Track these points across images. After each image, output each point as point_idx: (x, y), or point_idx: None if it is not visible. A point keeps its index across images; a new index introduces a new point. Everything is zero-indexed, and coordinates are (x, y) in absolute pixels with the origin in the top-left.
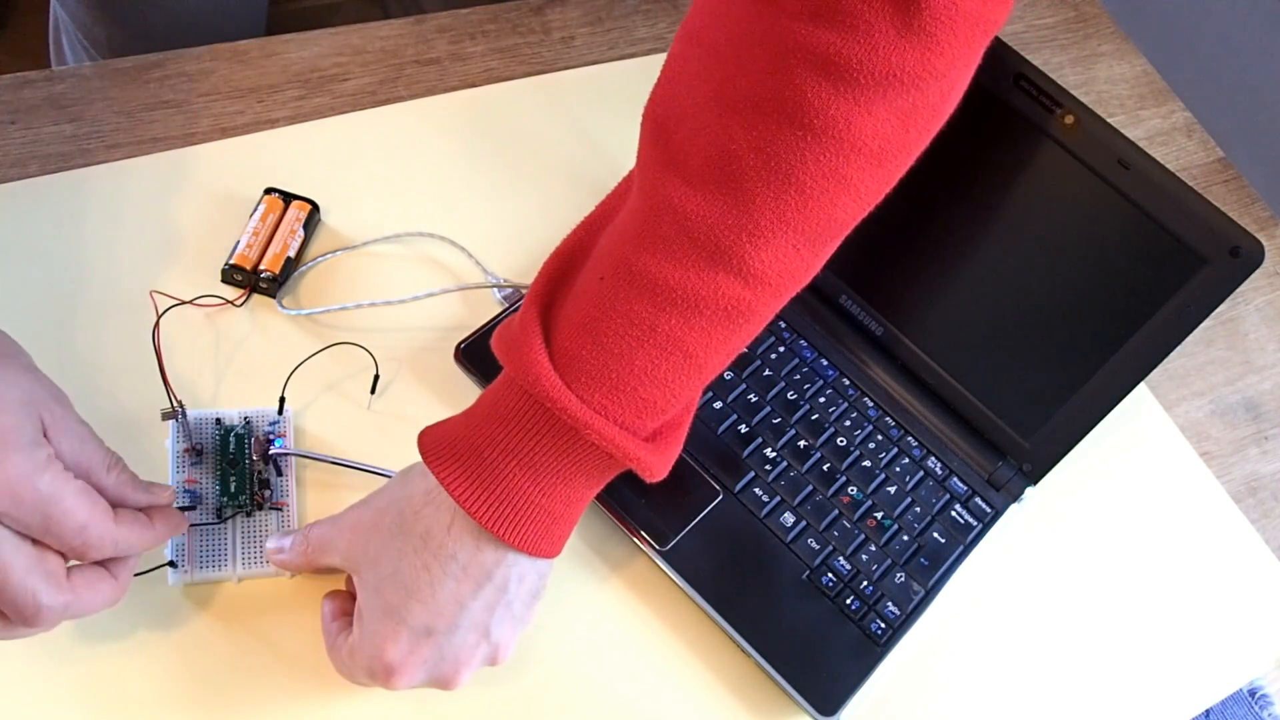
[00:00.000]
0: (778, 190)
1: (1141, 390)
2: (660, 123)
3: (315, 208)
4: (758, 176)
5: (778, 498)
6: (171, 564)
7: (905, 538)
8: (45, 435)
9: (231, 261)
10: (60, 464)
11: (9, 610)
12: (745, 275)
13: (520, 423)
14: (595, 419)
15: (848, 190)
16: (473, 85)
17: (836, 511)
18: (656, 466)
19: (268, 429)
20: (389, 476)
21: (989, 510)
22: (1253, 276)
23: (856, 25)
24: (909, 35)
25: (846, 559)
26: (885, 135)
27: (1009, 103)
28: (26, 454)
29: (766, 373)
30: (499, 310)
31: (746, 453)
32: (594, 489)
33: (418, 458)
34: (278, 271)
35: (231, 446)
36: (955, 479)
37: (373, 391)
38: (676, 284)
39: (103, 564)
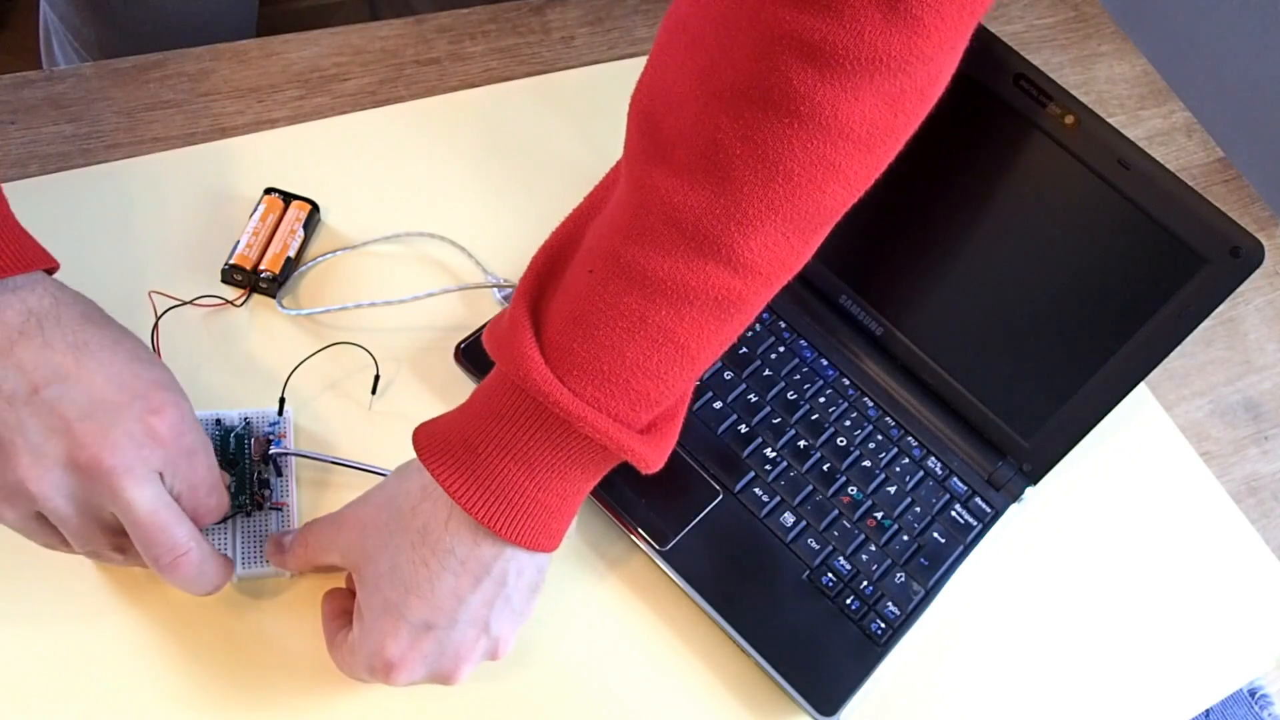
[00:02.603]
0: (765, 178)
1: (1141, 390)
2: (646, 113)
3: (315, 208)
4: (745, 165)
5: (778, 498)
6: None
7: (905, 538)
8: None
9: (231, 261)
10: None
11: (156, 552)
12: (735, 264)
13: (513, 417)
14: (588, 411)
15: (836, 176)
16: (473, 85)
17: (836, 511)
18: (652, 458)
19: (268, 429)
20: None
21: (989, 510)
22: (1253, 276)
23: (842, 10)
24: (895, 19)
25: (846, 559)
26: (873, 121)
27: (1009, 103)
28: (185, 403)
29: (766, 373)
30: (499, 310)
31: (746, 453)
32: (590, 482)
33: (414, 434)
34: (278, 271)
35: (231, 446)
36: (955, 479)
37: (374, 392)
38: (666, 275)
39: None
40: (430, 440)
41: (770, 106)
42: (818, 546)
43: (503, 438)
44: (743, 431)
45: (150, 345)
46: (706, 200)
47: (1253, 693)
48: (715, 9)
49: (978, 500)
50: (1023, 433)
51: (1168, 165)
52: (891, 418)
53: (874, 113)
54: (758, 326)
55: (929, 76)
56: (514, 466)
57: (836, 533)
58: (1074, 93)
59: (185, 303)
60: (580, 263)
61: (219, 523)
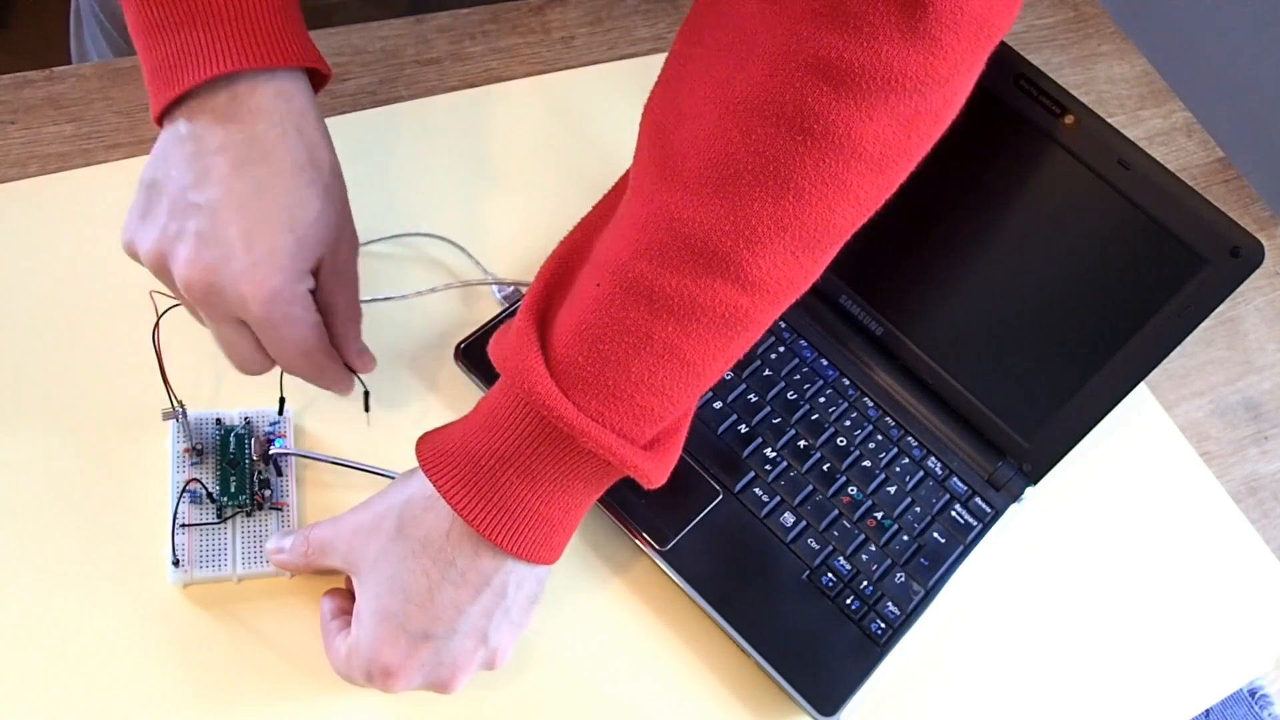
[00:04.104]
0: (776, 194)
1: (1141, 390)
2: (658, 124)
3: None
4: (755, 181)
5: (778, 498)
6: (175, 562)
7: (905, 538)
8: (318, 270)
9: None
10: (311, 303)
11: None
12: (743, 282)
13: (517, 431)
14: (592, 427)
15: (847, 196)
16: (473, 85)
17: (836, 511)
18: (655, 474)
19: (268, 429)
20: (389, 476)
21: (989, 510)
22: (1253, 276)
23: (860, 28)
24: (913, 39)
25: (846, 559)
26: (886, 141)
27: (1009, 103)
28: (289, 282)
29: (766, 373)
30: (499, 310)
31: (746, 453)
32: (593, 496)
33: (417, 444)
34: None
35: (232, 446)
36: (955, 479)
37: (366, 409)
38: (673, 291)
39: None
40: (434, 451)
41: (783, 122)
42: (818, 546)
43: (506, 451)
44: (743, 431)
45: (152, 345)
46: (715, 216)
47: (1253, 693)
48: (732, 21)
49: (978, 500)
50: (1023, 433)
51: (1168, 165)
52: (891, 418)
53: (888, 133)
54: None
55: (944, 99)
56: (517, 480)
57: (836, 533)
58: (1074, 93)
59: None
60: (588, 275)
61: (219, 521)
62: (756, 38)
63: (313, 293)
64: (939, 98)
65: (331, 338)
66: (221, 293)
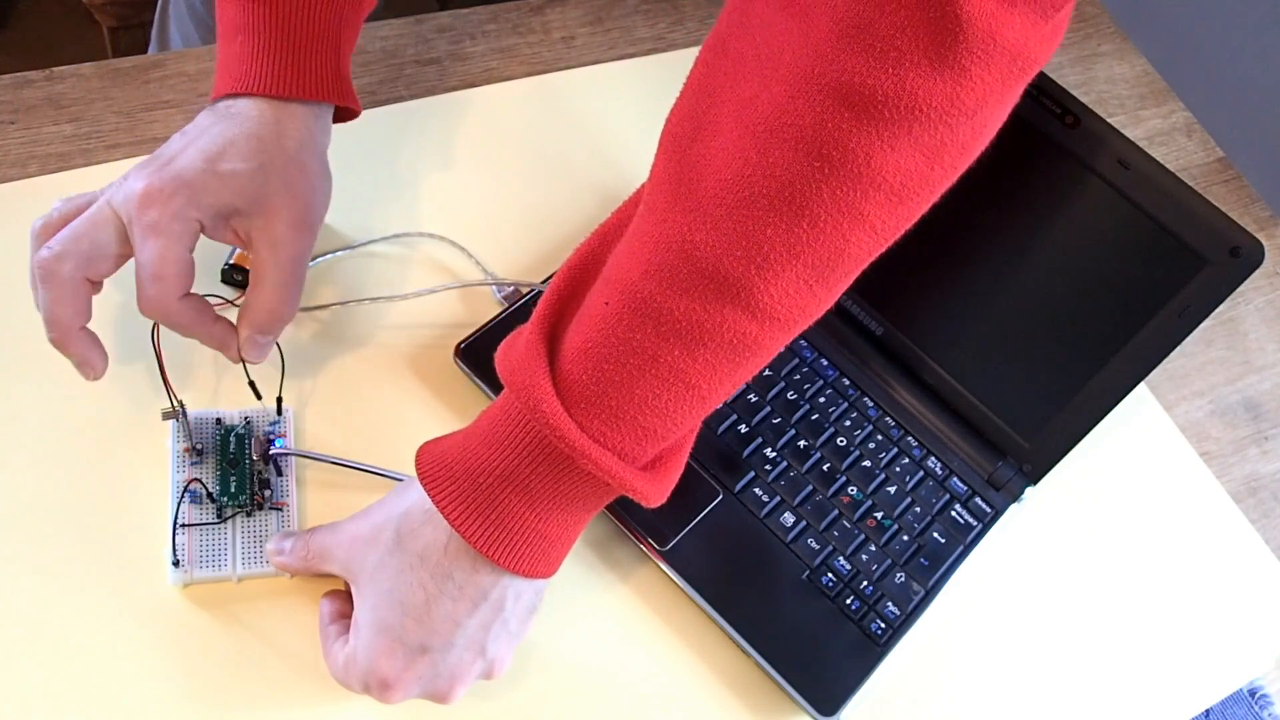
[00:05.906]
0: (789, 220)
1: (1141, 390)
2: (676, 137)
3: None
4: (769, 206)
5: (778, 498)
6: (175, 563)
7: (905, 538)
8: (246, 238)
9: (231, 261)
10: (189, 236)
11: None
12: (752, 309)
13: (517, 448)
14: (593, 448)
15: (862, 225)
16: (473, 85)
17: (836, 511)
18: (654, 495)
19: (268, 429)
20: (389, 476)
21: (989, 510)
22: (1253, 276)
23: (886, 53)
24: (941, 66)
25: (846, 559)
26: (907, 171)
27: None
28: (178, 198)
29: (767, 373)
30: (499, 310)
31: (747, 453)
32: (592, 512)
33: (417, 455)
34: None
35: (232, 446)
36: (955, 479)
37: (257, 397)
38: (680, 314)
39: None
40: (433, 465)
41: (801, 147)
42: (818, 546)
43: (505, 468)
44: (743, 431)
45: (152, 344)
46: (727, 239)
47: (1253, 693)
48: (761, 35)
49: (978, 500)
50: (1023, 433)
51: (1168, 165)
52: (891, 418)
53: (910, 163)
54: None
55: (973, 131)
56: (515, 497)
57: (836, 533)
58: (1074, 93)
59: None
60: (598, 291)
61: (219, 521)
62: (782, 56)
63: (241, 266)
64: (967, 129)
65: (246, 305)
66: (122, 185)
